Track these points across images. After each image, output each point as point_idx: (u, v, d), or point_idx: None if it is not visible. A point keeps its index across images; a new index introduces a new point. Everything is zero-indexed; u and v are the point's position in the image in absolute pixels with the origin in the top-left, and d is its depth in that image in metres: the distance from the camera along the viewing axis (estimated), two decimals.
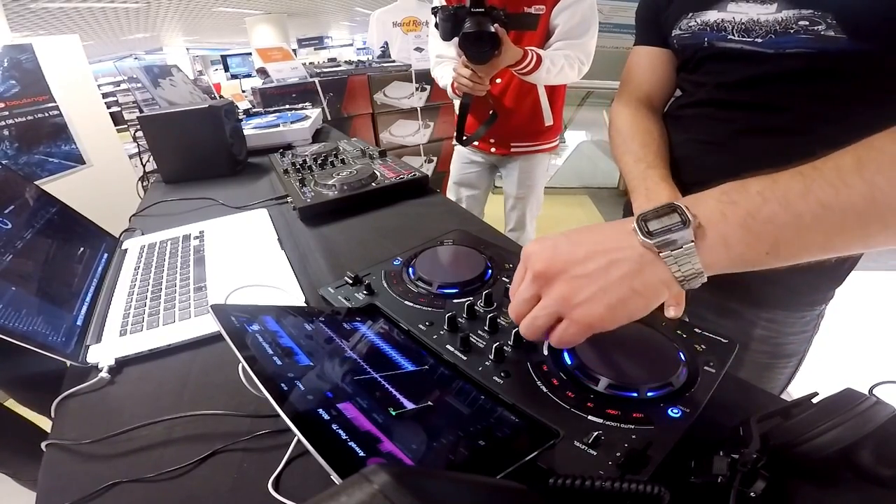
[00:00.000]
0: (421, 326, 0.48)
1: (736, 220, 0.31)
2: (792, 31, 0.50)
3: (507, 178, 1.56)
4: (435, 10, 1.05)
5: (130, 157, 2.54)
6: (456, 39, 0.99)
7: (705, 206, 0.32)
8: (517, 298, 0.37)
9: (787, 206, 0.30)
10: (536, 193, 1.56)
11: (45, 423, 1.08)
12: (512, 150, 1.45)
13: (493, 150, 1.47)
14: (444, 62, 1.38)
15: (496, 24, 0.97)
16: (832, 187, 0.29)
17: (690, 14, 0.60)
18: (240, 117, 1.50)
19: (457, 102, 1.31)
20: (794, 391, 0.70)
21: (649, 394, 0.37)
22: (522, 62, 1.11)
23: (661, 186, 0.58)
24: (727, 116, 0.60)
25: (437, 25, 1.03)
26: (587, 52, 1.23)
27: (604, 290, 0.33)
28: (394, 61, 2.69)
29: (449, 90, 1.31)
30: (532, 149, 1.45)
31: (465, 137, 1.28)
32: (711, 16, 0.57)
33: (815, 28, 0.48)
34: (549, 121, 1.40)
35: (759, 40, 0.53)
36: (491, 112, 1.30)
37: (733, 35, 0.55)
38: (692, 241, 0.31)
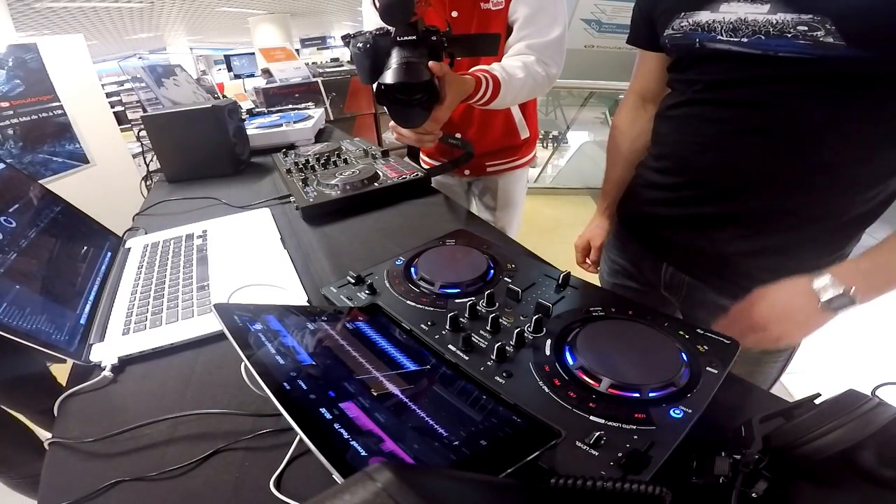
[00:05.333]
0: (423, 326, 0.48)
1: (857, 294, 0.49)
2: (789, 34, 0.50)
3: (483, 200, 1.33)
4: (347, 40, 0.75)
5: (134, 156, 2.55)
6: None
7: (850, 282, 0.50)
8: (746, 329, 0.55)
9: (874, 288, 0.50)
10: (518, 212, 1.34)
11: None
12: (488, 170, 1.23)
13: (466, 172, 1.24)
14: None
15: (430, 64, 0.68)
16: None
17: (683, 13, 0.59)
18: (243, 117, 1.50)
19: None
20: (797, 392, 0.70)
21: (651, 394, 0.37)
22: (476, 94, 0.82)
23: (597, 216, 0.87)
24: (716, 116, 0.60)
25: (351, 61, 0.79)
26: (556, 49, 0.94)
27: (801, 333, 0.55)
28: None
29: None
30: (510, 165, 1.23)
31: (429, 170, 1.03)
32: (704, 16, 0.57)
33: (814, 34, 0.48)
34: (524, 133, 1.19)
35: (745, 40, 0.53)
36: (463, 151, 1.02)
37: (721, 35, 0.55)
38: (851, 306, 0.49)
